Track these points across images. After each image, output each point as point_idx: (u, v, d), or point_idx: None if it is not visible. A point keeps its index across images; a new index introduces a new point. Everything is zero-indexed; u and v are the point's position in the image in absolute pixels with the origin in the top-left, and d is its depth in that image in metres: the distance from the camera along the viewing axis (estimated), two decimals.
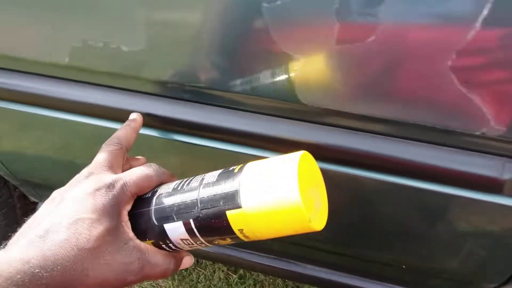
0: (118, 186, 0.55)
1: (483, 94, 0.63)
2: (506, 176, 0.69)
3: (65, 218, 0.50)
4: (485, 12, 0.55)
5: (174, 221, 0.54)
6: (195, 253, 1.22)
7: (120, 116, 0.83)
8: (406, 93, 0.67)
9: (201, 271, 1.75)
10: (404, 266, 0.96)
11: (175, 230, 0.54)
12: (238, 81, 0.70)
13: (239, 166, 0.55)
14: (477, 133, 0.66)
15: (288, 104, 0.72)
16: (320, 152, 0.73)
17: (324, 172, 0.60)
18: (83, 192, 0.53)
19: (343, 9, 0.58)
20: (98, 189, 0.53)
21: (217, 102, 0.76)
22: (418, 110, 0.66)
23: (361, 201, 0.84)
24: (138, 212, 0.57)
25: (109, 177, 0.56)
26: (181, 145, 0.83)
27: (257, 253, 1.19)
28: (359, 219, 0.90)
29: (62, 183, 0.61)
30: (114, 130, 0.87)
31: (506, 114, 0.63)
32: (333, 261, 1.13)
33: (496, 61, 0.61)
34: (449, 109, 0.65)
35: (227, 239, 0.54)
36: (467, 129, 0.66)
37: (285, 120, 0.75)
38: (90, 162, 0.64)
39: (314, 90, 0.69)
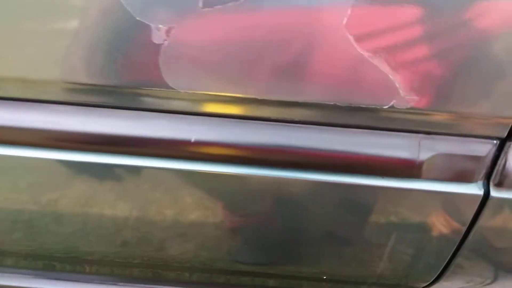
0: None
1: (387, 59, 0.52)
2: (423, 156, 0.59)
3: None
4: None
5: None
6: None
7: None
8: (294, 68, 0.54)
9: None
10: (324, 277, 0.83)
11: None
12: None
13: None
14: (386, 107, 0.55)
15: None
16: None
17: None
18: None
19: None
20: None
21: None
22: (312, 87, 0.54)
23: (251, 203, 0.69)
24: None
25: None
26: None
27: None
28: (255, 228, 0.75)
29: None
30: None
31: (416, 80, 0.53)
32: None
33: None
34: (348, 82, 0.54)
35: None
36: (373, 104, 0.55)
37: None
38: None
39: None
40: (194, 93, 0.54)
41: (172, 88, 0.53)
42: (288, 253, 0.82)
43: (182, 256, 0.81)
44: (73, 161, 0.62)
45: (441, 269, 0.80)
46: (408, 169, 0.60)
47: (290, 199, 0.66)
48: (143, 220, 0.71)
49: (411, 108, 0.55)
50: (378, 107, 0.55)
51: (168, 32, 0.49)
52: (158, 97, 0.55)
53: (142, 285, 1.05)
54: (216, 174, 0.62)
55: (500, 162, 0.60)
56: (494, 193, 0.63)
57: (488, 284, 0.85)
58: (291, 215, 0.69)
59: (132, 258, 0.86)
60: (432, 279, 0.84)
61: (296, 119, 0.57)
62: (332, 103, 0.54)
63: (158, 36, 0.49)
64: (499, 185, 0.62)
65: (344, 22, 0.49)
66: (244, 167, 0.61)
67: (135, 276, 1.03)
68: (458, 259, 0.77)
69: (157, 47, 0.50)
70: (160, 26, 0.49)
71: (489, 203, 0.64)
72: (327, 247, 0.78)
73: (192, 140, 0.57)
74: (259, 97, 0.54)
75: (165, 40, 0.49)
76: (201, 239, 0.76)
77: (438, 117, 0.56)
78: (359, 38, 0.50)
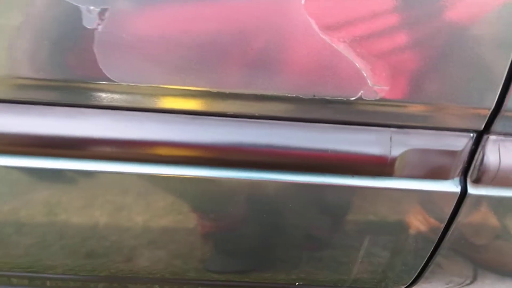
0: None
1: (353, 45, 0.47)
2: (395, 152, 0.54)
3: None
4: None
5: None
6: None
7: None
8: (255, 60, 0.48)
9: None
10: (297, 284, 0.78)
11: None
12: None
13: None
14: (353, 98, 0.49)
15: None
16: None
17: None
18: None
19: None
20: None
21: None
22: (271, 77, 0.48)
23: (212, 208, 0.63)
24: None
25: None
26: None
27: None
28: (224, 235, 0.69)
29: None
30: None
31: (386, 68, 0.48)
32: None
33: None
34: (311, 71, 0.48)
35: None
36: (339, 96, 0.49)
37: None
38: None
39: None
40: (137, 86, 0.47)
41: (112, 81, 0.47)
42: (259, 259, 0.77)
43: (152, 266, 0.75)
44: (14, 166, 0.55)
45: (419, 270, 0.76)
46: (379, 166, 0.54)
47: (255, 201, 0.60)
48: (101, 228, 0.65)
49: (381, 99, 0.49)
50: (345, 99, 0.49)
51: (101, 14, 0.43)
52: (98, 91, 0.48)
53: None
54: (171, 177, 0.55)
55: (478, 157, 0.56)
56: (471, 190, 0.58)
57: (468, 284, 0.81)
58: (257, 218, 0.63)
59: (98, 271, 0.79)
60: (411, 281, 0.79)
61: (256, 114, 0.51)
62: (294, 96, 0.49)
63: (90, 19, 0.43)
64: (477, 181, 0.57)
65: (303, 1, 0.43)
66: (201, 168, 0.55)
67: None
68: (437, 259, 0.72)
69: (91, 32, 0.43)
70: (91, 7, 0.42)
71: (467, 201, 0.60)
72: (299, 251, 0.73)
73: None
74: (213, 90, 0.48)
75: (99, 24, 0.43)
76: (170, 247, 0.70)
77: (411, 109, 0.51)
78: (321, 21, 0.45)
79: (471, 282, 0.81)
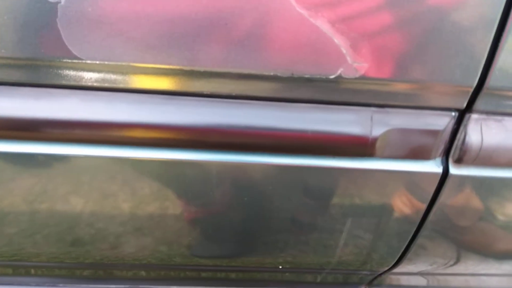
0: None
1: (331, 19, 0.45)
2: (376, 132, 0.53)
3: None
4: None
5: None
6: None
7: None
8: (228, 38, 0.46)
9: None
10: (280, 267, 0.77)
11: None
12: None
13: None
14: (332, 77, 0.48)
15: None
16: None
17: None
18: None
19: None
20: None
21: None
22: (247, 54, 0.46)
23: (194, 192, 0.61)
24: None
25: None
26: None
27: None
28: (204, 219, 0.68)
29: None
30: None
31: (366, 44, 0.46)
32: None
33: None
34: (288, 48, 0.46)
35: None
36: (318, 74, 0.48)
37: None
38: None
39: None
40: (106, 64, 0.45)
41: (79, 59, 0.44)
42: (243, 243, 0.76)
43: (138, 252, 0.74)
44: None
45: (402, 251, 0.76)
46: (360, 146, 0.53)
47: (233, 184, 0.59)
48: (78, 214, 0.63)
49: (361, 77, 0.48)
50: (324, 77, 0.48)
51: None
52: (65, 69, 0.46)
53: (94, 286, 0.97)
54: (147, 160, 0.54)
55: (459, 136, 0.55)
56: (453, 170, 0.58)
57: (451, 265, 0.81)
58: (237, 201, 0.62)
59: (83, 258, 0.77)
60: (394, 262, 0.79)
61: (233, 93, 0.50)
62: (271, 74, 0.47)
63: None
64: (459, 161, 0.57)
65: None
66: (177, 151, 0.53)
67: (86, 277, 0.95)
68: (420, 240, 0.72)
69: (53, 6, 0.41)
70: None
71: (449, 181, 0.59)
72: (282, 234, 0.72)
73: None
74: (186, 68, 0.46)
75: None
76: (156, 233, 0.68)
77: (391, 87, 0.50)
78: None
79: (455, 263, 0.81)
